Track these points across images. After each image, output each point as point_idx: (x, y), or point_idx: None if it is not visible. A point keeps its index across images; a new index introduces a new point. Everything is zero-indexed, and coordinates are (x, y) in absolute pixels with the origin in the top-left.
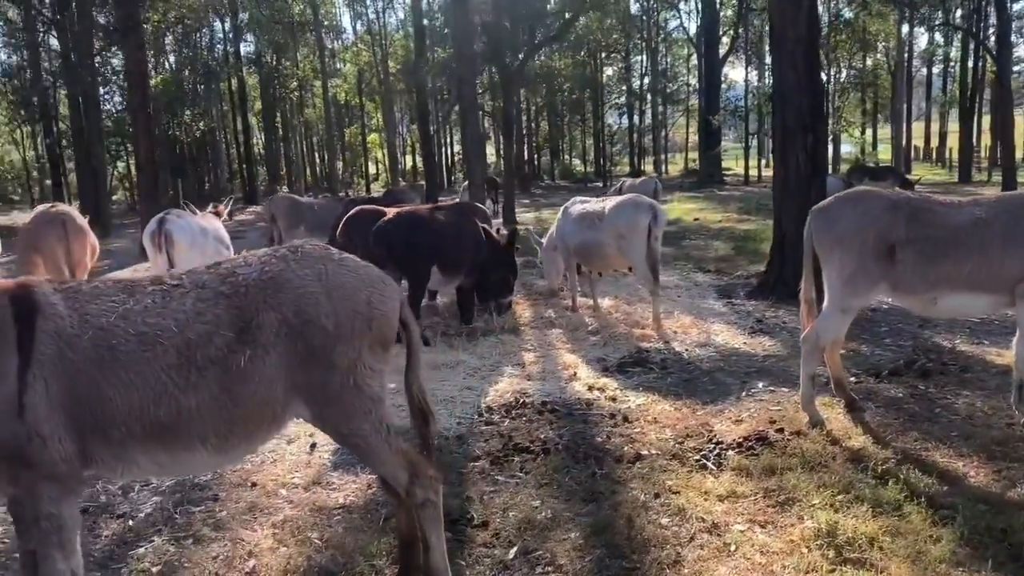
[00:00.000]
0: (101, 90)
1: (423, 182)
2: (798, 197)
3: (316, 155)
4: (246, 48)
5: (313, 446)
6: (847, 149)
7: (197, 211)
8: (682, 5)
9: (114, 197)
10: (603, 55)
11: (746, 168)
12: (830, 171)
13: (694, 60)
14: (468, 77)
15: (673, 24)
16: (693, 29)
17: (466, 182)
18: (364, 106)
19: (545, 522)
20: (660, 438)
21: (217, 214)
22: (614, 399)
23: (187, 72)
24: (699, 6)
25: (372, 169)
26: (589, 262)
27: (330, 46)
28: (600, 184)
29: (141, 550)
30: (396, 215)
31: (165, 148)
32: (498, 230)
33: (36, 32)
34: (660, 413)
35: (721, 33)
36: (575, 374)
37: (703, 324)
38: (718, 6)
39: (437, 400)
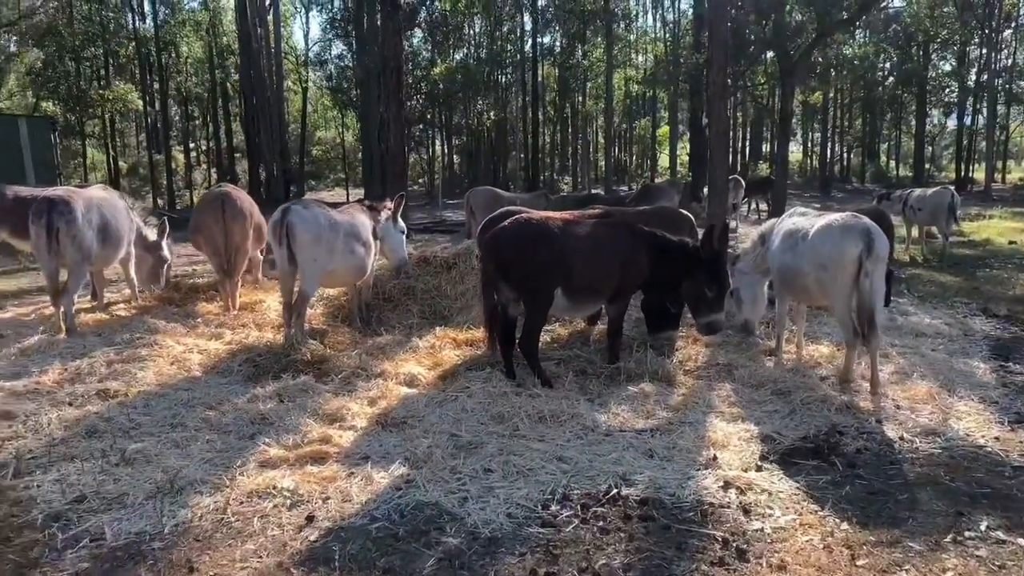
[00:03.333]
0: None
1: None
2: None
3: (607, 148)
4: (545, 41)
5: (310, 518)
6: None
7: (384, 207)
8: None
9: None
10: (936, 47)
11: None
12: None
13: None
14: (719, 60)
15: None
16: None
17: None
18: (657, 98)
19: None
20: None
21: (373, 209)
22: (747, 510)
23: (486, 63)
24: None
25: (665, 163)
26: (792, 293)
27: (630, 37)
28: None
29: None
30: (514, 222)
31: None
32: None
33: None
34: (799, 550)
35: None
36: (715, 458)
37: (945, 398)
38: None
39: (512, 472)
